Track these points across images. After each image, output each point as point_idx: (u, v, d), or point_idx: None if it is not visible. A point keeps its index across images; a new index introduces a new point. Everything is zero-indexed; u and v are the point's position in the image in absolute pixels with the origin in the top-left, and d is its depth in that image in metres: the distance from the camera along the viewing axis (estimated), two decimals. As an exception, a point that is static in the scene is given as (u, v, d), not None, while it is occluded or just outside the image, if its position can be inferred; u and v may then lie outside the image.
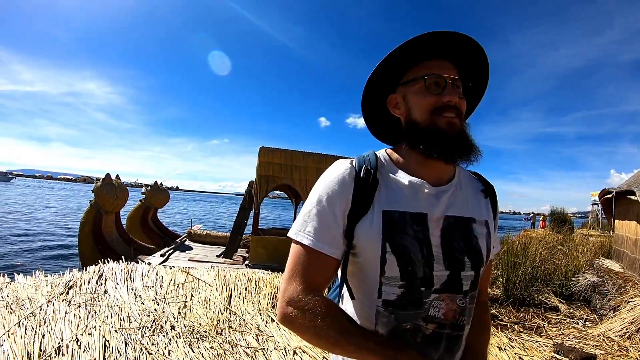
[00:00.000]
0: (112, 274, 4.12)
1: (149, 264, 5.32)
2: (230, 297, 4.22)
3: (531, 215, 26.57)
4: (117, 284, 3.94)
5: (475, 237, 0.91)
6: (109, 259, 4.71)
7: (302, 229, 0.87)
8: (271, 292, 4.62)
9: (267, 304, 4.33)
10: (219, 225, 28.66)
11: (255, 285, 4.72)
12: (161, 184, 10.63)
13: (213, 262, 6.45)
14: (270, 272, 5.68)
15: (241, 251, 8.10)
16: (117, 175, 7.18)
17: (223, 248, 8.11)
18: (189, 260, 6.48)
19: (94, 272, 4.10)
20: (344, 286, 0.92)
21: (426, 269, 0.83)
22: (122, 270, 4.27)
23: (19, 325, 2.75)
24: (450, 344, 0.88)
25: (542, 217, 22.25)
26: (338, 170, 0.89)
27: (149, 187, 10.24)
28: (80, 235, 5.92)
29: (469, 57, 0.95)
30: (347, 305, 0.94)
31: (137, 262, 5.08)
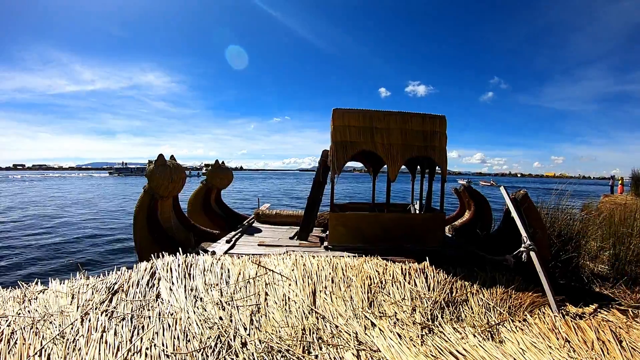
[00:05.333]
0: (166, 271, 3.42)
1: (213, 253, 4.61)
2: (314, 294, 3.33)
3: (610, 179, 25.02)
4: (173, 284, 3.21)
5: None
6: (165, 250, 4.04)
7: None
8: (364, 284, 3.65)
9: (362, 300, 3.38)
10: (283, 202, 28.55)
11: (343, 275, 3.78)
12: (222, 162, 10.08)
13: (287, 246, 5.66)
14: (356, 255, 4.71)
15: (316, 230, 7.24)
16: (172, 156, 6.62)
17: (295, 229, 7.34)
18: (258, 245, 5.75)
19: (145, 270, 3.42)
20: None
21: None
22: (179, 265, 3.56)
23: (40, 355, 2.04)
24: None
25: (620, 180, 21.81)
26: None
27: (210, 167, 9.75)
28: (135, 224, 5.43)
29: None
30: None
31: (199, 252, 4.38)
